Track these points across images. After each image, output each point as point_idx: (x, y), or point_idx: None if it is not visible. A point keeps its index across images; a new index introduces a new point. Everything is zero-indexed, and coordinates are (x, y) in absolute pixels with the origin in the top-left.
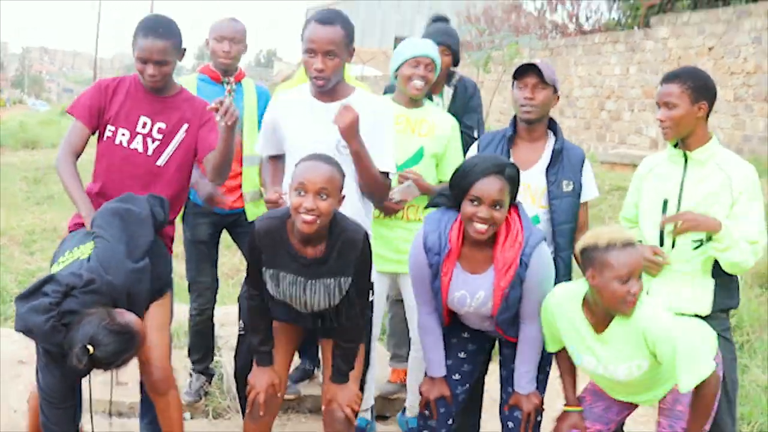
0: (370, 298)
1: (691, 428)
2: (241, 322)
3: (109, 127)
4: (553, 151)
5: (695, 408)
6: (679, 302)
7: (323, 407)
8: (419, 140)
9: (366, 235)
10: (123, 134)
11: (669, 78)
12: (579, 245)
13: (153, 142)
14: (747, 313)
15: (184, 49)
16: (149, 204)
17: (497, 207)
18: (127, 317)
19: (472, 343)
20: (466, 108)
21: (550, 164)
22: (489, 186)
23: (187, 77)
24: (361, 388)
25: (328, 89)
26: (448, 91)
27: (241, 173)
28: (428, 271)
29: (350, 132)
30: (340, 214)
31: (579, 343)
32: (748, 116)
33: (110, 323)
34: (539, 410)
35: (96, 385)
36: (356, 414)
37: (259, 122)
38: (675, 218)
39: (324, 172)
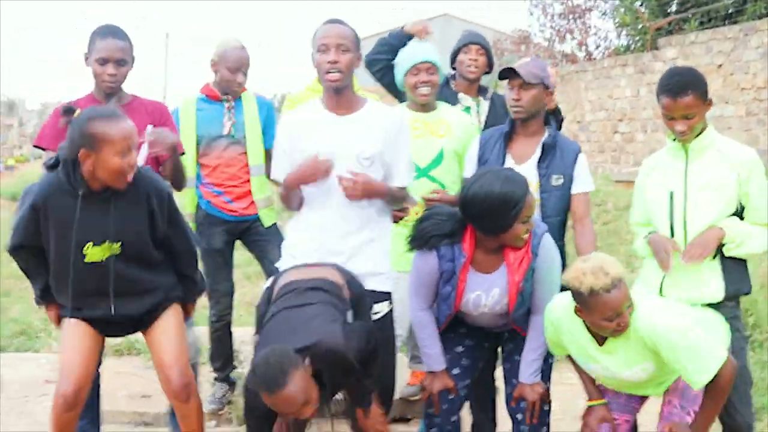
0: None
1: (703, 415)
2: (256, 336)
3: None
4: (542, 146)
5: (709, 395)
6: (690, 292)
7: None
8: (439, 141)
9: (343, 337)
10: None
11: (680, 92)
12: (564, 280)
13: None
14: (765, 311)
15: (134, 57)
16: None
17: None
18: None
19: (470, 339)
20: (502, 122)
21: (540, 158)
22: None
23: (188, 98)
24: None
25: (341, 95)
26: (484, 104)
27: (248, 181)
28: (437, 275)
29: (370, 194)
30: (318, 353)
31: (583, 354)
32: (761, 130)
33: None
34: (544, 399)
35: (122, 398)
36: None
37: (263, 132)
38: (686, 257)
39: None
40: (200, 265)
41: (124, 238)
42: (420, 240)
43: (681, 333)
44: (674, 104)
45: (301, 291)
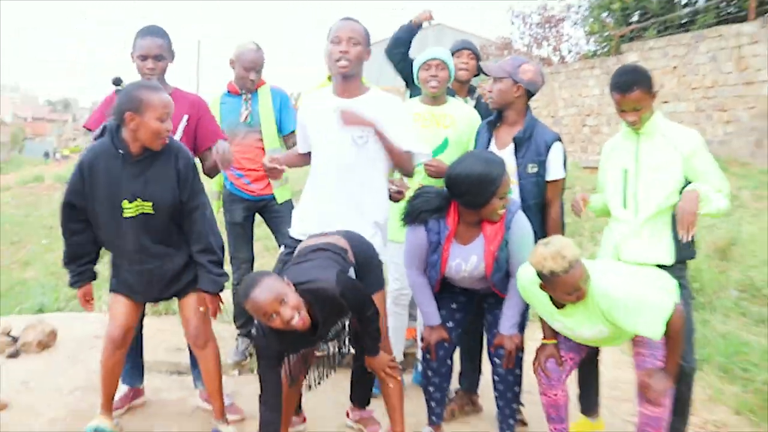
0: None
1: (670, 357)
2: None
3: None
4: (514, 140)
5: (668, 341)
6: (644, 254)
7: (378, 380)
8: (444, 132)
9: (336, 281)
10: None
11: (627, 88)
12: (529, 261)
13: None
14: (708, 278)
15: (174, 52)
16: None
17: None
18: None
19: (463, 296)
20: (484, 116)
21: (516, 149)
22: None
23: (215, 96)
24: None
25: (348, 82)
26: (471, 102)
27: None
28: (426, 246)
29: (356, 120)
30: (307, 285)
31: (547, 314)
32: (708, 124)
33: None
34: (519, 348)
35: (161, 351)
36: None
37: (276, 120)
38: (684, 228)
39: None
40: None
41: (155, 197)
42: (412, 215)
43: (629, 297)
44: (623, 99)
45: (305, 253)
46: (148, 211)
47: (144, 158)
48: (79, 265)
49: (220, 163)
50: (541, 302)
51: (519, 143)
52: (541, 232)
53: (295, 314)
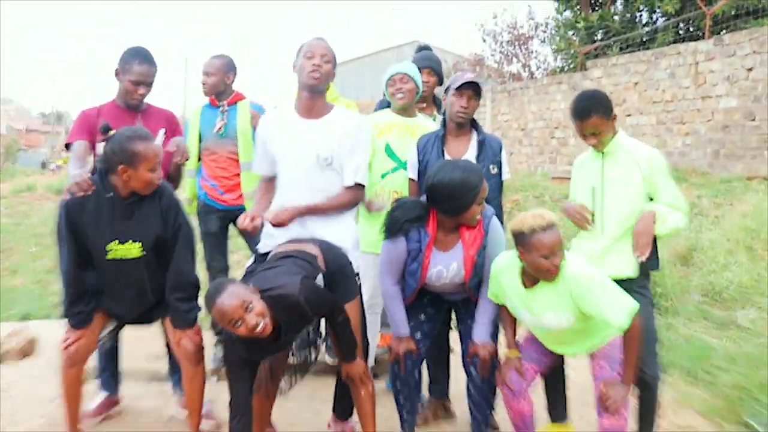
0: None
1: (627, 364)
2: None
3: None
4: (478, 143)
5: (626, 346)
6: (610, 267)
7: (351, 387)
8: (415, 141)
9: (300, 286)
10: None
11: (584, 115)
12: (510, 226)
13: None
14: (671, 283)
15: None
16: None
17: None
18: None
19: (431, 307)
20: None
21: (478, 154)
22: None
23: (195, 107)
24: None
25: (314, 99)
26: (439, 118)
27: (237, 175)
28: (405, 255)
29: (289, 218)
30: (270, 291)
31: (516, 298)
32: (668, 136)
33: None
34: (493, 356)
35: (140, 358)
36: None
37: (252, 135)
38: (638, 250)
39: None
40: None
41: (144, 238)
42: (393, 227)
43: (601, 283)
44: (582, 125)
45: (273, 260)
46: (137, 251)
47: (133, 201)
48: (86, 304)
49: (177, 155)
50: (510, 285)
51: (480, 146)
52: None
53: (260, 321)
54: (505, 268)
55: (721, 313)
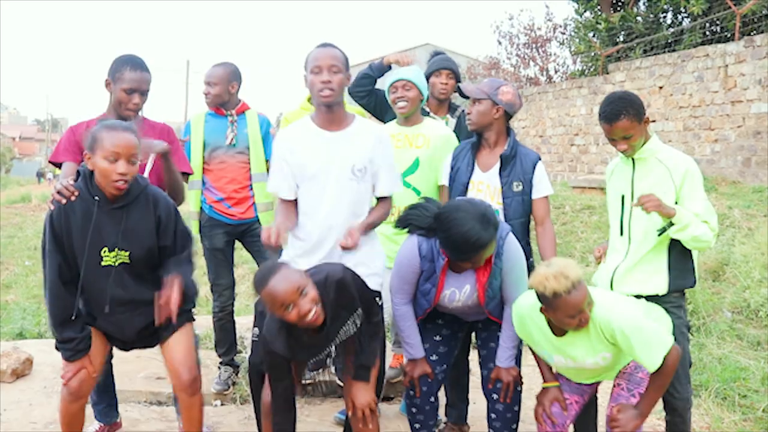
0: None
1: (648, 395)
2: (255, 329)
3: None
4: (501, 158)
5: (655, 378)
6: (637, 285)
7: (349, 412)
8: (415, 152)
9: (344, 269)
10: None
11: (614, 118)
12: (530, 284)
13: None
14: (702, 300)
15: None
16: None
17: None
18: None
19: (447, 328)
20: (467, 136)
21: (501, 168)
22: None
23: (198, 113)
24: (380, 379)
25: (333, 112)
26: (452, 121)
27: (246, 187)
28: (417, 273)
29: (359, 238)
30: (315, 275)
31: (548, 345)
32: (696, 143)
33: None
34: (517, 381)
35: (140, 380)
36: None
37: (263, 145)
38: (642, 199)
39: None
40: (204, 264)
41: (132, 247)
42: (403, 222)
43: (634, 325)
44: (611, 129)
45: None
46: (125, 260)
47: (122, 206)
48: (79, 330)
49: (145, 149)
50: (539, 332)
51: (505, 161)
52: (527, 250)
53: (312, 307)
54: (529, 314)
55: (756, 332)
